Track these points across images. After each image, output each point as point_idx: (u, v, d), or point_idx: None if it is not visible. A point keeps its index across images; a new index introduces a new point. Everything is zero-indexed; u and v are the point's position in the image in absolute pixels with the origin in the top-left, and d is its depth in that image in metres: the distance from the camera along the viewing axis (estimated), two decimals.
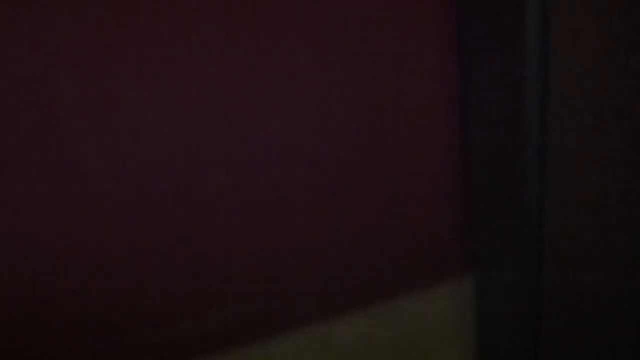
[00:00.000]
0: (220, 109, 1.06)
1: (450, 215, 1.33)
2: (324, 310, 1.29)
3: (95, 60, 0.95)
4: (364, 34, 1.06)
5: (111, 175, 1.06)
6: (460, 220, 1.34)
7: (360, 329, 1.34)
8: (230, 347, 1.24)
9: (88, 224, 1.08)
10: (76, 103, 0.98)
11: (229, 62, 1.01)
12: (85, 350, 1.17)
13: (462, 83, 1.19)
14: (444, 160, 1.26)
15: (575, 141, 1.01)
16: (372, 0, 1.04)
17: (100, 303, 1.15)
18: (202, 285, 1.19)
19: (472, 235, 1.35)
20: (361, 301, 1.32)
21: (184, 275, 1.17)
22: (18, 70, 0.93)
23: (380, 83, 1.13)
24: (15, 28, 0.90)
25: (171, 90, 1.02)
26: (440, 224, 1.32)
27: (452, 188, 1.31)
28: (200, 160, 1.09)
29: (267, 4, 0.99)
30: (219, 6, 0.97)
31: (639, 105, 1.01)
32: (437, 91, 1.18)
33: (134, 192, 1.08)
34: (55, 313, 1.13)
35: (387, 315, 1.36)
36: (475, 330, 1.47)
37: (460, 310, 1.42)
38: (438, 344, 1.43)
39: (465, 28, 1.11)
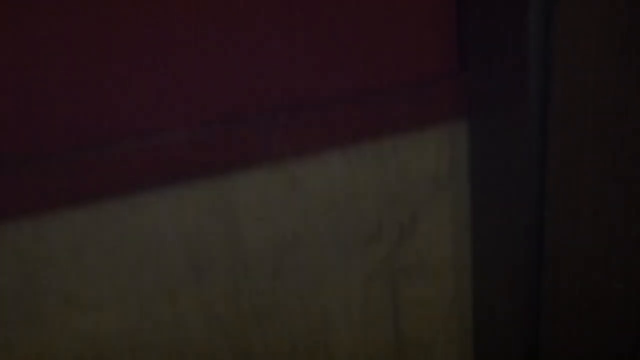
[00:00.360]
0: None
1: (444, 46, 1.16)
2: (295, 145, 1.13)
3: None
4: None
5: None
6: (455, 54, 1.17)
7: (337, 171, 1.19)
8: (183, 176, 1.08)
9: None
10: None
11: None
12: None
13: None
14: None
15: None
16: None
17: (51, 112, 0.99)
18: (155, 98, 1.03)
19: (469, 76, 1.18)
20: (339, 139, 1.16)
21: (131, 81, 1.02)
22: None
23: None
24: None
25: None
26: (433, 53, 1.16)
27: (446, 12, 1.14)
28: None
29: None
30: None
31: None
32: None
33: None
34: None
35: (368, 160, 1.20)
36: (470, 188, 1.31)
37: (454, 161, 1.26)
38: (426, 202, 1.28)
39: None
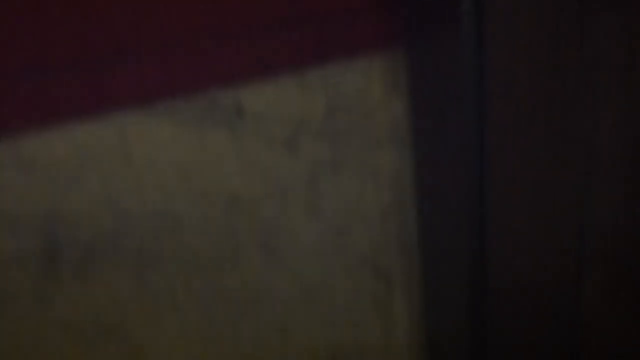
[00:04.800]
0: None
1: None
2: (227, 75, 1.11)
3: None
4: None
5: None
6: None
7: (268, 98, 1.16)
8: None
9: None
10: None
11: None
12: None
13: None
14: None
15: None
16: None
17: None
18: None
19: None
20: (269, 69, 1.13)
21: None
22: None
23: None
24: None
25: None
26: None
27: None
28: None
29: None
30: None
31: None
32: None
33: None
34: None
35: (296, 87, 1.17)
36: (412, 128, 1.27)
37: (389, 94, 1.24)
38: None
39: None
